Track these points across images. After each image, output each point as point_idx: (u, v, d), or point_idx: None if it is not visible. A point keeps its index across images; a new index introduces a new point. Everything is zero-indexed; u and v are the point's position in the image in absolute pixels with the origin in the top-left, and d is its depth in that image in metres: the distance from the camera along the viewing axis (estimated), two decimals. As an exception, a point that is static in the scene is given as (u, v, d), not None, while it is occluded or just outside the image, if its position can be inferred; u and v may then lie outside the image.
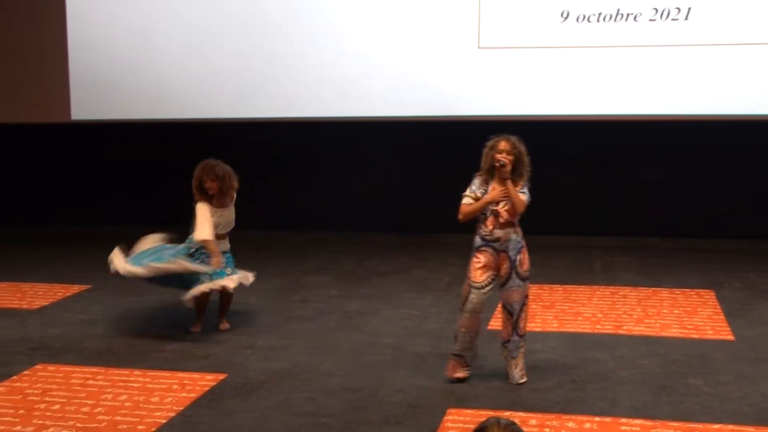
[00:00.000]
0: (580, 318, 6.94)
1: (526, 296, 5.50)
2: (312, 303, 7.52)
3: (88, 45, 9.98)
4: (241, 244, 9.97)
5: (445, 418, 4.90)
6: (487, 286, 5.39)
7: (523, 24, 9.24)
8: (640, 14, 9.03)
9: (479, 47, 9.32)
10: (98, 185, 10.71)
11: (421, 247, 9.71)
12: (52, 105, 10.15)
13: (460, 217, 5.43)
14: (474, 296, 5.38)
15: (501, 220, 5.33)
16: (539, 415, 4.91)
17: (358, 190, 10.27)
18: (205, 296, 6.57)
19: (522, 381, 5.46)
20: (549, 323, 6.80)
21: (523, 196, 5.34)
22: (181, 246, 6.63)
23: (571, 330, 6.62)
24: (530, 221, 9.64)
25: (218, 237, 6.58)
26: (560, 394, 5.27)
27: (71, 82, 10.05)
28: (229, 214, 6.67)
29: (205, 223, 6.44)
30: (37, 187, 11.00)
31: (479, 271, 5.37)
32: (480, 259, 5.38)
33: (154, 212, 10.58)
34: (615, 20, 9.07)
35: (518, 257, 5.39)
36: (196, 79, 9.84)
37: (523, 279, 5.42)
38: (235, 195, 6.71)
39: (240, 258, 9.30)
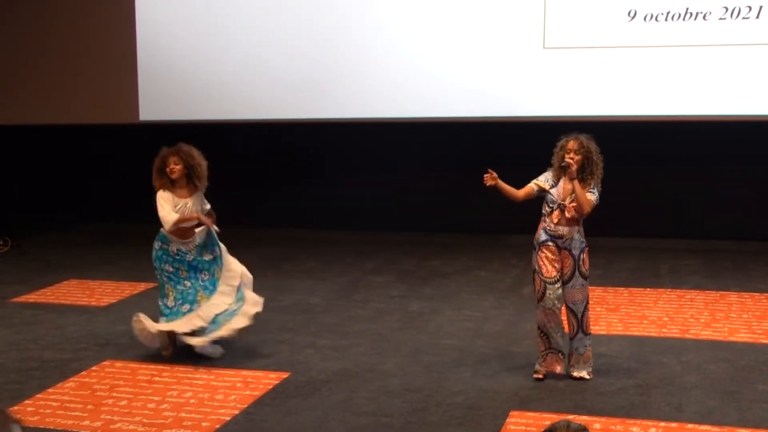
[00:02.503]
0: (645, 321, 6.83)
1: (588, 295, 5.51)
2: (373, 303, 7.53)
3: (155, 48, 10.14)
4: (303, 243, 10.08)
5: (508, 420, 4.87)
6: (558, 280, 5.40)
7: (589, 23, 9.13)
8: (710, 13, 8.85)
9: (544, 47, 9.24)
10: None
11: (483, 248, 9.67)
12: (121, 106, 10.34)
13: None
14: (551, 291, 5.39)
15: (567, 215, 5.33)
16: (603, 419, 4.85)
17: (420, 191, 10.25)
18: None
19: (587, 377, 5.46)
20: (614, 326, 6.71)
21: (590, 196, 5.32)
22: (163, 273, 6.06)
23: (637, 333, 6.52)
24: (594, 222, 9.54)
25: (183, 234, 6.02)
26: (625, 398, 5.19)
27: (139, 84, 10.22)
28: (194, 205, 6.04)
29: (162, 212, 5.90)
30: (104, 186, 11.21)
31: (550, 266, 5.39)
32: (547, 254, 5.40)
33: (219, 212, 10.73)
34: (684, 19, 8.91)
35: (582, 256, 5.42)
36: (259, 81, 9.91)
37: (585, 278, 5.44)
38: (204, 186, 6.09)
39: (301, 257, 9.41)
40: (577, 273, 5.39)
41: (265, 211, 10.67)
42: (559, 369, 5.51)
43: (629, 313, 7.08)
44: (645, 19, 8.99)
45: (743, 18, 8.79)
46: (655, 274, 8.48)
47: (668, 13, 8.93)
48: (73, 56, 10.44)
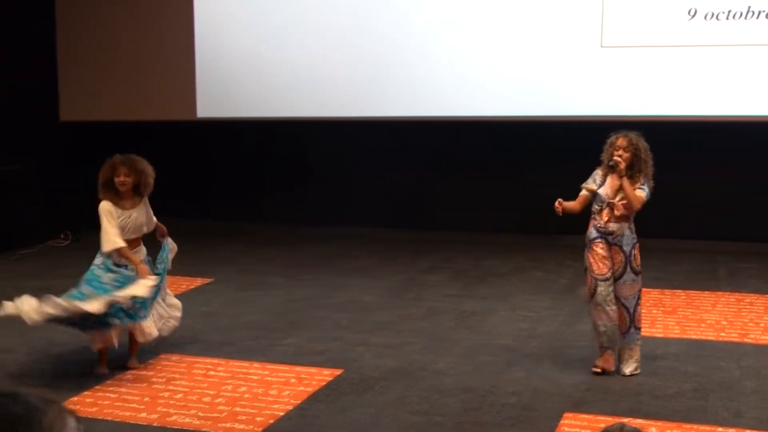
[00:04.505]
0: (703, 325, 6.72)
1: (640, 290, 5.55)
2: (427, 302, 7.52)
3: (213, 46, 10.25)
4: (357, 241, 10.10)
5: (562, 422, 4.83)
6: (609, 276, 5.45)
7: (648, 22, 9.00)
8: (773, 11, 8.67)
9: (602, 46, 9.14)
10: (221, 182, 10.98)
11: (538, 248, 9.59)
12: (179, 104, 10.47)
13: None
14: (602, 288, 5.45)
15: (617, 213, 5.37)
16: (659, 423, 4.78)
17: (475, 190, 10.21)
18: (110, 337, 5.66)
19: (635, 373, 5.50)
20: (671, 329, 6.61)
21: (640, 192, 5.35)
22: (92, 271, 5.65)
23: (694, 337, 6.41)
24: (652, 223, 9.41)
25: (129, 243, 5.70)
26: (682, 402, 5.12)
27: (197, 82, 10.34)
28: (138, 216, 5.76)
29: (109, 230, 5.55)
30: (161, 182, 11.28)
31: (601, 263, 5.45)
32: (597, 251, 5.45)
33: (272, 210, 10.81)
34: (746, 18, 8.74)
35: (633, 252, 5.46)
36: (315, 79, 9.95)
37: (636, 273, 5.49)
38: (147, 194, 5.84)
39: (355, 255, 9.43)
40: (628, 269, 5.45)
41: (320, 208, 10.72)
42: (611, 367, 5.54)
43: (686, 316, 6.97)
44: (705, 17, 8.84)
45: (808, 16, 8.59)
46: (713, 277, 8.34)
47: (729, 12, 8.77)
48: (133, 55, 10.60)
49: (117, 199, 5.68)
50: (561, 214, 5.49)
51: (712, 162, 9.58)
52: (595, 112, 9.14)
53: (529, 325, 6.77)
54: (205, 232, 10.31)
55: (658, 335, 6.41)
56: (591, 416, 4.89)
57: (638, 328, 5.57)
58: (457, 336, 6.50)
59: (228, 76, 10.23)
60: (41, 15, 10.64)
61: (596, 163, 5.59)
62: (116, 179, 5.63)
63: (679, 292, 7.74)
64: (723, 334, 6.48)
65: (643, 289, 7.64)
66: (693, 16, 8.87)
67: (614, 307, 5.47)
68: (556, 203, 5.46)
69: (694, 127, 9.32)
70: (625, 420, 4.62)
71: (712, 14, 8.82)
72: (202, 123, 10.56)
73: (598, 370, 5.52)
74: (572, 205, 5.51)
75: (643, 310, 5.74)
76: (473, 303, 7.45)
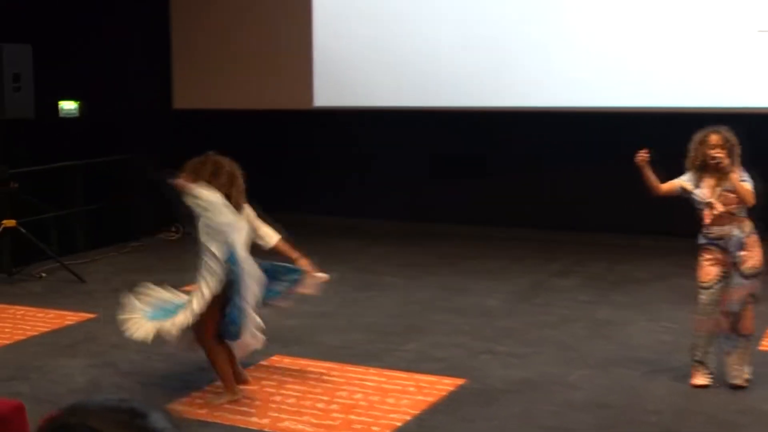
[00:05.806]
0: None
1: (752, 295, 5.22)
2: (558, 308, 7.14)
3: (331, 36, 10.14)
4: (484, 240, 9.74)
5: (710, 447, 4.35)
6: (715, 285, 5.20)
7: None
8: None
9: (759, 30, 8.44)
10: (333, 175, 10.75)
11: (682, 252, 8.89)
12: (296, 93, 10.37)
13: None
14: (703, 296, 5.24)
15: (715, 212, 5.15)
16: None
17: (611, 187, 9.63)
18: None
19: (739, 383, 5.17)
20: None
21: (747, 185, 5.14)
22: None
23: None
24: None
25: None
26: None
27: (314, 71, 10.23)
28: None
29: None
30: (270, 176, 11.12)
31: (705, 270, 5.22)
32: (706, 258, 5.23)
33: (400, 206, 10.53)
34: None
35: (740, 254, 5.16)
36: (435, 68, 9.65)
37: (746, 277, 5.17)
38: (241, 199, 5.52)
39: (480, 255, 9.05)
40: (735, 272, 5.16)
41: (449, 206, 10.38)
42: (695, 381, 5.26)
43: None
44: None
45: None
46: None
47: None
48: (249, 43, 10.63)
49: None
50: (637, 160, 5.43)
51: None
52: (750, 104, 8.46)
53: (673, 337, 6.26)
54: (318, 228, 10.09)
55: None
56: (743, 442, 4.39)
57: (744, 336, 5.21)
58: (591, 346, 6.13)
59: (346, 65, 10.06)
60: (156, 6, 10.79)
61: (754, 156, 5.25)
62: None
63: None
64: None
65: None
66: None
67: (713, 319, 5.24)
68: (644, 153, 5.43)
69: None
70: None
71: None
72: (312, 113, 10.40)
73: (700, 383, 5.25)
74: (656, 181, 5.45)
75: None
76: (609, 311, 7.03)
